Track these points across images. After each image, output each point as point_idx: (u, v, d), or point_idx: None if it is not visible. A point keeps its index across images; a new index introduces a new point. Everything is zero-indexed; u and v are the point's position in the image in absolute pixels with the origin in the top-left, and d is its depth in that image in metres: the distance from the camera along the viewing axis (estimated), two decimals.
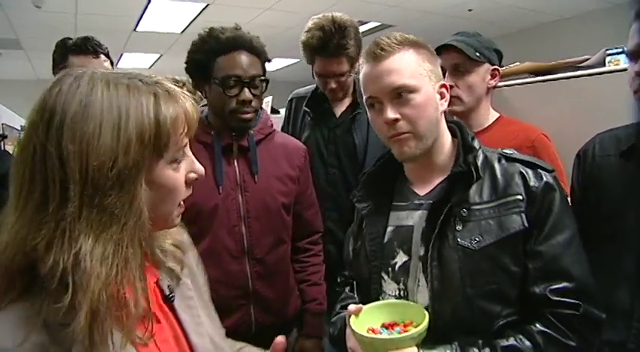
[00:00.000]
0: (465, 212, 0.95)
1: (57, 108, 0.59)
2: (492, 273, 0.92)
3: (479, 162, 0.99)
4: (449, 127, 1.08)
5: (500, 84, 1.83)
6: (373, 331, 0.90)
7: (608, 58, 1.71)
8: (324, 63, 1.66)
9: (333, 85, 1.71)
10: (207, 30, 1.35)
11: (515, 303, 0.93)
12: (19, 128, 2.00)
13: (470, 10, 5.70)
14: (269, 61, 1.43)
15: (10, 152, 1.46)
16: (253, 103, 1.33)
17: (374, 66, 0.98)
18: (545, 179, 0.97)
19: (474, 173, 0.96)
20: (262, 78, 1.35)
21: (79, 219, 0.58)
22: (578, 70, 1.80)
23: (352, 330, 0.88)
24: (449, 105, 1.48)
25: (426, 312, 0.89)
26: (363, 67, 1.03)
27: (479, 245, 0.92)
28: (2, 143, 1.39)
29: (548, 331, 0.88)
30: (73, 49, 1.53)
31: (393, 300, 0.99)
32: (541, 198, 0.95)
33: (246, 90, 1.31)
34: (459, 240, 0.93)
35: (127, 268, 0.61)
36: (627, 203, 1.09)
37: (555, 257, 0.92)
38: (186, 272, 0.84)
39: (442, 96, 1.03)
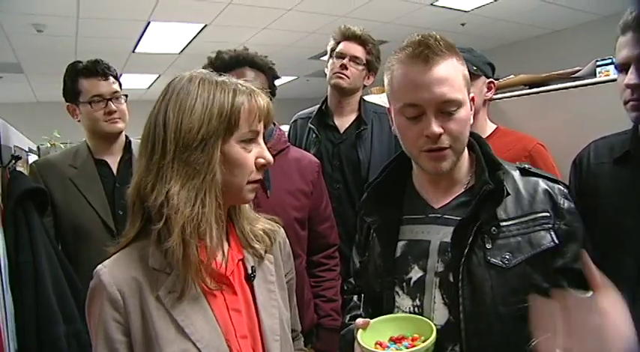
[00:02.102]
0: (495, 230, 0.91)
1: (169, 90, 0.84)
2: (524, 291, 0.88)
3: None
4: None
5: (496, 96, 1.90)
6: (381, 345, 0.89)
7: (598, 69, 1.76)
8: (347, 44, 1.85)
9: (345, 62, 1.83)
10: (214, 52, 1.40)
11: None
12: (27, 150, 2.04)
13: (463, 24, 5.82)
14: (277, 77, 1.47)
15: (24, 172, 1.50)
16: None
17: (423, 71, 0.89)
18: (568, 196, 0.97)
19: (505, 191, 0.93)
20: (267, 91, 1.40)
21: (172, 169, 0.80)
22: (570, 80, 1.86)
23: (360, 345, 0.88)
24: None
25: (434, 326, 0.88)
26: (401, 69, 0.93)
27: (510, 263, 0.89)
28: (16, 164, 1.43)
29: None
30: (83, 72, 1.59)
31: (402, 314, 0.97)
32: (568, 215, 0.95)
33: None
34: (489, 258, 0.90)
35: (204, 212, 0.80)
36: (622, 208, 1.11)
37: None
38: (271, 259, 0.98)
39: (471, 109, 0.97)
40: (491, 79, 1.63)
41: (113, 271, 0.81)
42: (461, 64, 0.94)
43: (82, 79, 1.58)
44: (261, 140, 0.89)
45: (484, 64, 1.62)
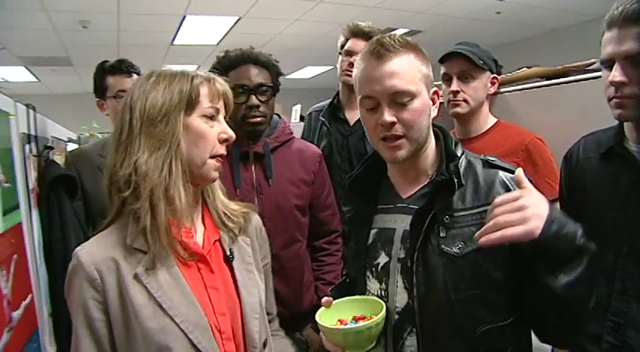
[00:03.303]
0: (447, 219, 0.96)
1: (135, 84, 0.93)
2: (475, 279, 0.92)
3: (461, 169, 1.00)
4: (434, 132, 1.08)
5: (509, 89, 1.91)
6: (341, 322, 0.96)
7: None
8: (355, 41, 1.93)
9: (352, 60, 1.89)
10: (222, 52, 1.52)
11: (502, 310, 0.94)
12: (66, 139, 2.24)
13: (498, 12, 5.68)
14: (281, 74, 1.57)
15: (57, 161, 1.68)
16: (261, 109, 1.48)
17: (376, 65, 0.96)
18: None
19: (456, 181, 0.97)
20: (269, 85, 1.50)
21: (139, 143, 0.87)
22: (584, 73, 1.84)
23: (315, 320, 0.96)
24: (454, 107, 1.62)
25: (385, 306, 0.95)
26: (361, 65, 1.00)
27: (461, 251, 0.93)
28: (50, 153, 1.60)
29: None
30: (110, 70, 1.76)
31: (362, 296, 1.03)
32: None
33: (252, 97, 1.46)
34: (442, 246, 0.94)
35: (171, 178, 0.87)
36: (606, 203, 1.14)
37: None
38: (247, 241, 1.05)
39: (434, 103, 1.02)
40: (495, 75, 1.67)
41: (91, 251, 0.85)
42: (419, 61, 0.99)
43: (109, 76, 1.75)
44: (221, 118, 0.96)
45: (490, 59, 1.66)
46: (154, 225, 0.85)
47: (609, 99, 1.09)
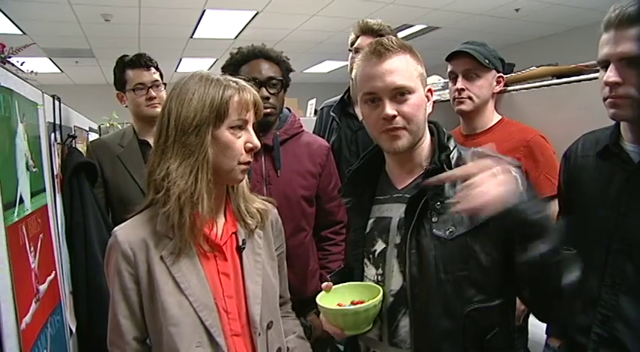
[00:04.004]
0: (439, 205, 1.02)
1: (175, 87, 1.03)
2: (463, 261, 0.99)
3: (453, 160, 1.07)
4: (429, 127, 1.15)
5: (516, 87, 1.94)
6: (340, 305, 1.04)
7: None
8: (364, 39, 1.97)
9: None
10: (235, 48, 1.59)
11: (490, 291, 1.00)
12: (88, 129, 2.34)
13: (517, 10, 5.64)
14: (291, 70, 1.64)
15: (80, 149, 1.77)
16: (271, 100, 1.55)
17: (377, 64, 1.04)
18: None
19: (446, 170, 1.03)
20: (279, 79, 1.58)
21: (172, 150, 0.98)
22: (595, 72, 1.85)
23: (317, 303, 1.04)
24: (459, 104, 1.67)
25: (381, 290, 1.02)
26: (361, 64, 1.08)
27: (452, 235, 1.00)
28: (74, 142, 1.70)
29: None
30: (129, 64, 1.85)
31: (363, 283, 1.11)
32: None
33: (263, 89, 1.53)
34: (434, 230, 1.01)
35: (196, 185, 0.97)
36: (599, 199, 1.17)
37: None
38: (261, 234, 1.15)
39: (428, 99, 1.11)
40: (500, 74, 1.71)
41: (127, 232, 1.00)
42: (415, 61, 1.08)
43: (128, 69, 1.84)
44: (250, 127, 1.04)
45: (496, 58, 1.70)
46: (180, 223, 0.97)
47: (604, 99, 1.12)
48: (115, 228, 1.02)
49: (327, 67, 8.84)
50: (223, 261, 1.06)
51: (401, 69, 1.04)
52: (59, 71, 7.90)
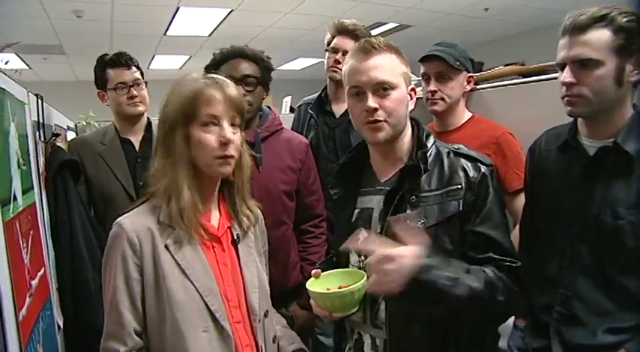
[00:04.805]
0: (414, 198, 1.11)
1: (169, 93, 1.09)
2: (434, 250, 1.04)
3: (430, 157, 1.15)
4: (410, 123, 1.22)
5: (485, 86, 2.04)
6: (329, 290, 1.09)
7: None
8: (340, 39, 2.05)
9: (338, 57, 2.03)
10: (217, 49, 1.65)
11: None
12: (66, 128, 2.34)
13: (486, 9, 5.82)
14: (271, 68, 1.71)
15: (63, 147, 1.78)
16: (247, 98, 1.59)
17: (363, 60, 1.12)
18: (482, 171, 1.13)
19: (422, 167, 1.13)
20: (255, 77, 1.64)
21: (158, 150, 1.08)
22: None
23: (302, 296, 1.12)
24: (432, 105, 1.76)
25: (365, 275, 1.07)
26: (350, 60, 1.16)
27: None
28: (56, 140, 1.71)
29: (496, 271, 1.06)
30: (110, 63, 1.87)
31: (349, 269, 1.19)
32: (478, 187, 1.11)
33: (239, 87, 1.58)
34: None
35: (177, 181, 1.04)
36: (560, 190, 1.28)
37: (491, 236, 1.10)
38: (252, 229, 1.21)
39: (411, 97, 1.18)
40: (471, 74, 1.80)
41: (133, 221, 1.04)
42: (400, 60, 1.16)
43: (109, 68, 1.86)
44: (223, 122, 1.07)
45: (466, 59, 1.78)
46: (173, 214, 1.03)
47: (562, 98, 1.23)
48: (119, 219, 1.05)
49: (300, 64, 8.87)
50: (221, 252, 1.11)
51: (385, 66, 1.12)
52: (27, 68, 7.69)
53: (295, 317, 1.72)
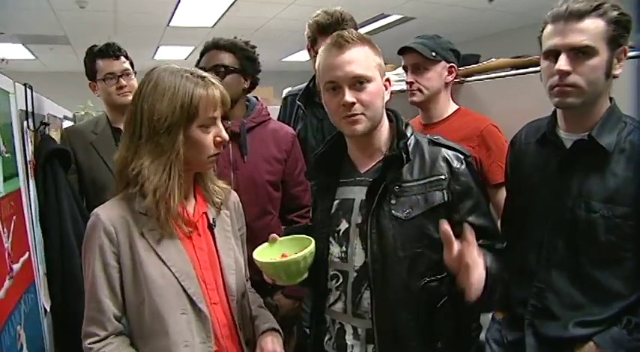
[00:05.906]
0: (397, 188, 1.13)
1: (143, 85, 1.07)
2: (419, 239, 1.10)
3: (410, 147, 1.16)
4: (387, 114, 1.23)
5: (474, 78, 2.03)
6: (284, 256, 1.13)
7: None
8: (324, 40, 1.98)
9: None
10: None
11: (441, 265, 1.05)
12: (62, 117, 2.38)
13: (490, 1, 5.75)
14: (252, 57, 1.72)
15: (53, 137, 1.82)
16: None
17: (337, 54, 1.11)
18: (464, 161, 1.15)
19: (404, 157, 1.13)
20: (224, 66, 1.66)
21: (145, 148, 1.04)
22: None
23: (252, 256, 1.13)
24: (411, 96, 1.76)
25: (313, 241, 1.12)
26: (323, 55, 1.16)
27: (409, 215, 1.11)
28: (46, 129, 1.74)
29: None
30: (98, 54, 1.90)
31: (303, 236, 1.19)
32: (462, 178, 1.14)
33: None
34: (393, 211, 1.11)
35: (169, 182, 1.04)
36: (538, 182, 1.28)
37: (482, 225, 1.14)
38: (227, 213, 1.24)
39: (386, 88, 1.19)
40: (452, 64, 1.78)
41: (108, 212, 1.07)
42: (373, 52, 1.15)
43: (98, 59, 1.89)
44: (218, 122, 1.11)
45: (445, 50, 1.76)
46: (157, 211, 1.05)
47: (552, 87, 1.18)
48: (96, 209, 1.08)
49: (304, 56, 8.75)
50: (197, 236, 1.14)
51: (360, 59, 1.11)
52: (34, 58, 7.75)
53: (280, 306, 1.74)
